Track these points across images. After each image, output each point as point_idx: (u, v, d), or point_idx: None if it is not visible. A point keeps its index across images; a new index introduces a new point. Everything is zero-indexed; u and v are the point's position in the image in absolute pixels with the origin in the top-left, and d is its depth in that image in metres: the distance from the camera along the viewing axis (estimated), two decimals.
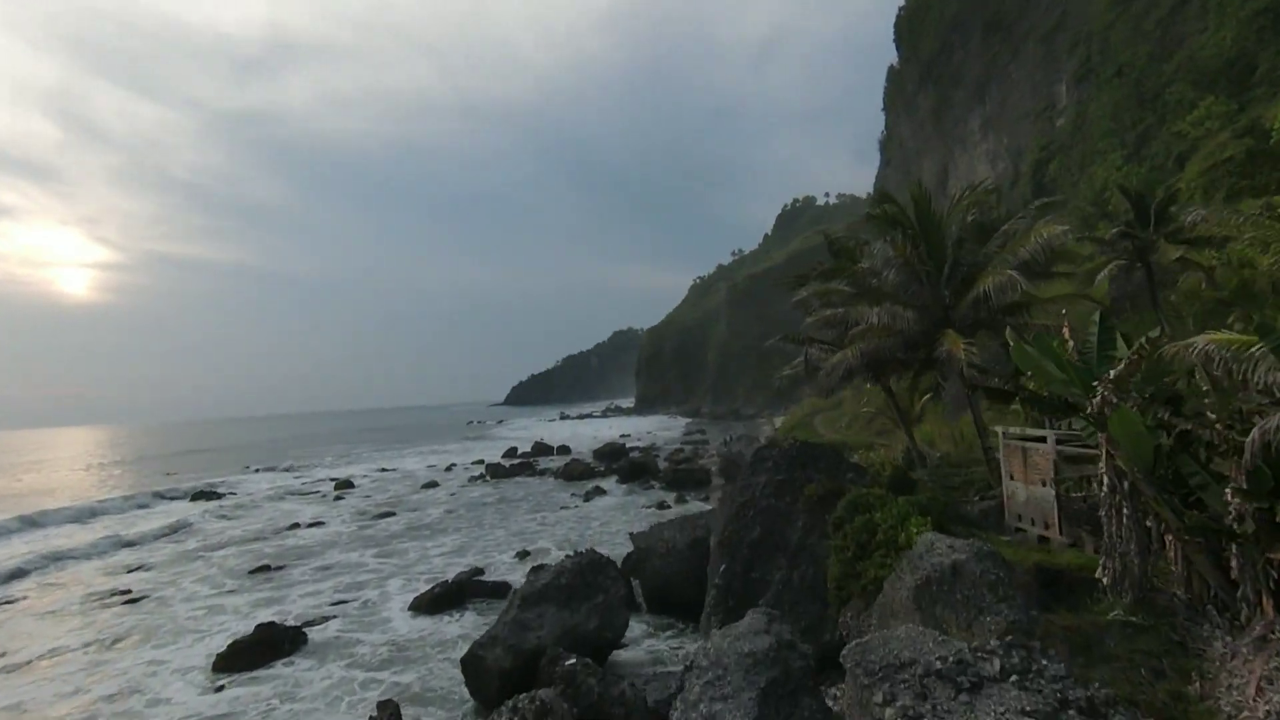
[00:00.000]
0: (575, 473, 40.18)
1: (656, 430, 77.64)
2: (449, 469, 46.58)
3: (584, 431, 79.93)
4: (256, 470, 54.76)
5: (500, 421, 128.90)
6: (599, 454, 47.56)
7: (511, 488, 37.93)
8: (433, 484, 41.29)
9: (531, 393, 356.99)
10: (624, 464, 40.94)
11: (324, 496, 39.12)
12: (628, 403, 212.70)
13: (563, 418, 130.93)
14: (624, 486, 35.27)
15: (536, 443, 53.13)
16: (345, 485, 42.74)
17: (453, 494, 37.78)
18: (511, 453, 51.59)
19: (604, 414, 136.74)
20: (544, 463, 48.12)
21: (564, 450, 51.83)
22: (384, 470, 49.21)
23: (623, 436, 66.64)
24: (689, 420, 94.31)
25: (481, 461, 48.92)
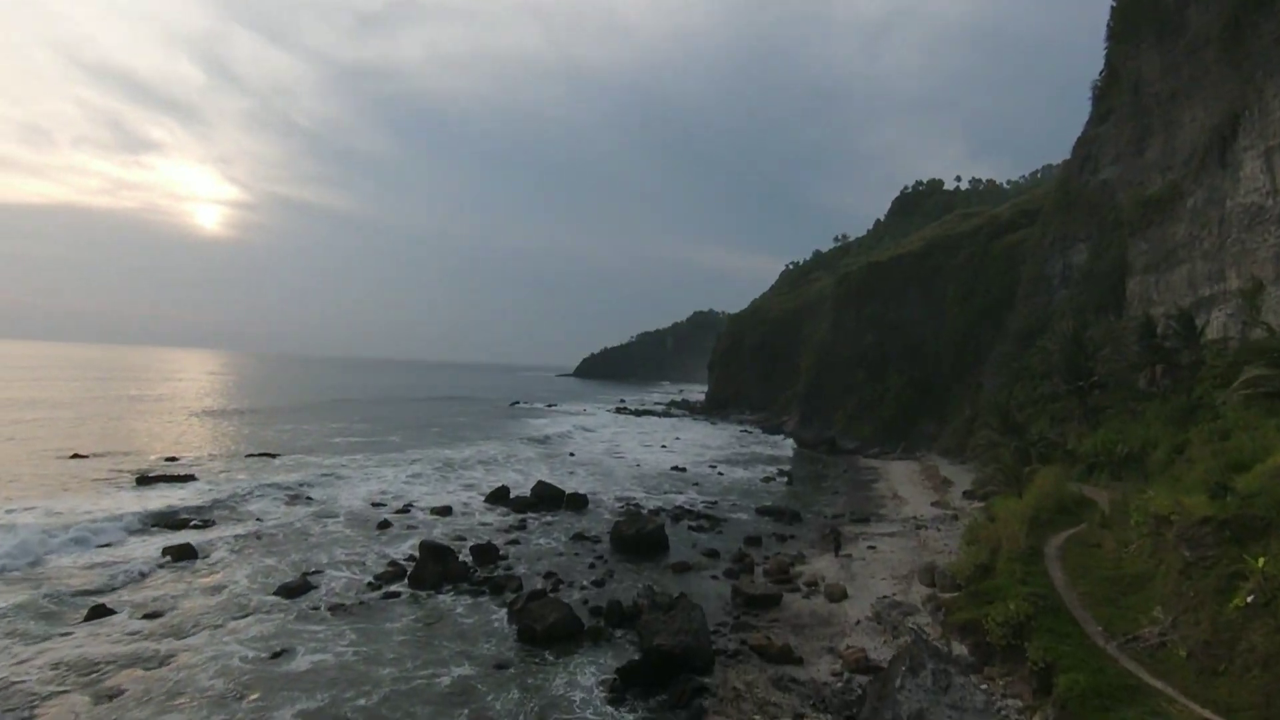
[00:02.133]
0: (539, 629, 22.55)
1: (724, 453, 59.55)
2: (380, 530, 30.29)
3: (630, 447, 62.75)
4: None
5: (551, 405, 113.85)
6: (622, 542, 28.89)
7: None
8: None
9: (602, 367, 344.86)
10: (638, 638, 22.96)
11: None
12: (698, 392, 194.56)
13: (620, 409, 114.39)
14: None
15: (540, 484, 36.06)
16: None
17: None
18: (498, 496, 34.72)
19: (668, 409, 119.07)
20: (518, 551, 30.89)
21: (576, 505, 34.42)
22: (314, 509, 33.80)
23: (675, 470, 48.72)
24: (768, 439, 75.23)
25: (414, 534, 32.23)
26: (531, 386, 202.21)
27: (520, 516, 31.96)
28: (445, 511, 31.97)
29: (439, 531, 28.37)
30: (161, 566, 21.99)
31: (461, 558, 24.00)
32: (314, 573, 22.12)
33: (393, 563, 23.55)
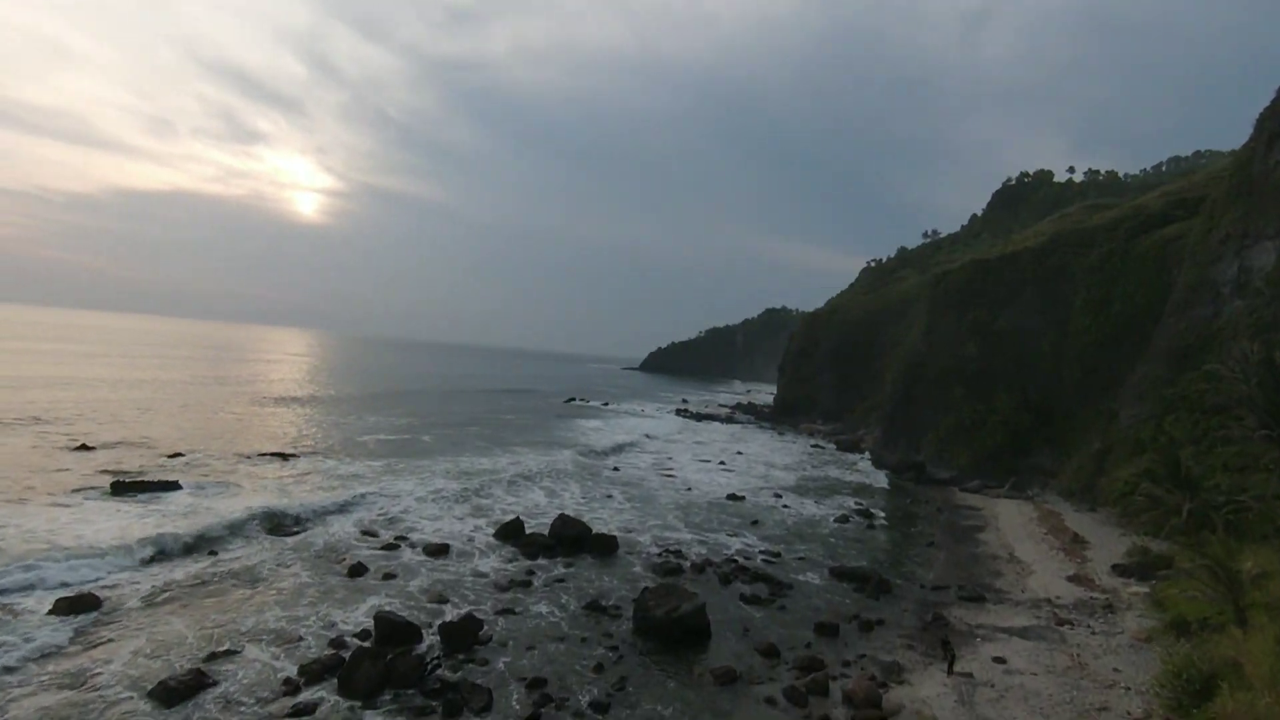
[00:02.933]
0: None
1: (792, 476, 51.43)
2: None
3: (683, 462, 55.68)
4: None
5: (606, 404, 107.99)
6: (649, 625, 21.71)
7: None
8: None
9: (670, 361, 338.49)
10: None
11: None
12: (766, 393, 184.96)
13: (681, 410, 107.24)
14: None
15: (562, 518, 29.37)
16: None
17: None
18: (510, 532, 28.41)
19: (732, 414, 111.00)
20: (507, 627, 24.55)
21: (602, 549, 27.62)
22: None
23: (732, 499, 41.26)
24: (843, 458, 66.39)
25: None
26: (594, 380, 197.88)
27: (529, 564, 25.64)
28: (441, 551, 26.09)
29: (419, 584, 22.42)
30: (37, 629, 16.93)
31: (427, 640, 17.88)
32: (224, 654, 16.49)
33: (337, 640, 17.68)
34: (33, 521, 24.40)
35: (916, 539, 35.83)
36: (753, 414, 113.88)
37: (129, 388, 69.22)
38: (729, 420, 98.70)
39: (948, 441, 54.85)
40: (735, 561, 28.11)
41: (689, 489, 43.62)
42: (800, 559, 29.72)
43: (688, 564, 27.14)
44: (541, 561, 26.07)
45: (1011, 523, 39.31)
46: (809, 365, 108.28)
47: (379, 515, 30.36)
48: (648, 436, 68.70)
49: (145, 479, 31.05)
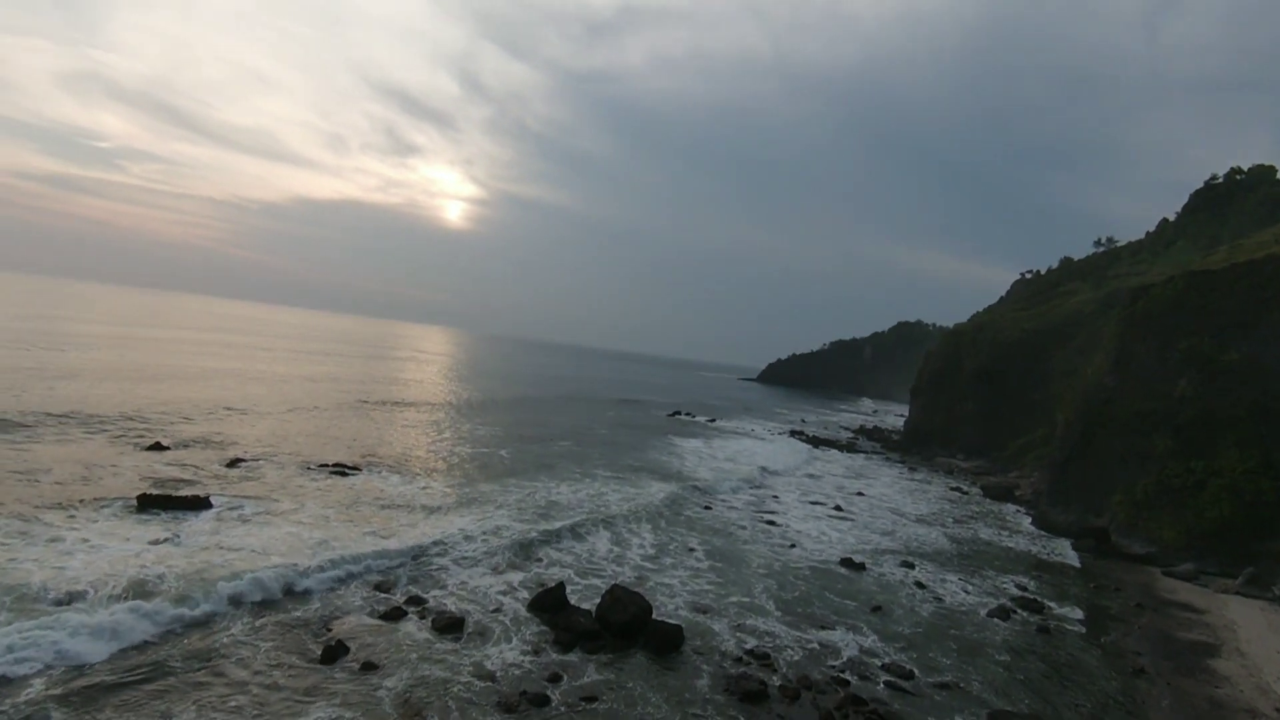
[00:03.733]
0: None
1: (928, 535, 41.23)
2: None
3: (789, 503, 47.13)
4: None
5: (713, 420, 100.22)
6: None
7: None
8: None
9: (790, 373, 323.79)
10: None
11: None
12: (896, 414, 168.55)
13: (797, 433, 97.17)
14: None
15: (617, 591, 22.55)
16: None
17: None
18: (549, 603, 21.93)
19: (854, 440, 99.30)
20: None
21: (660, 646, 20.31)
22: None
23: (848, 567, 32.44)
24: (993, 509, 54.47)
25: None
26: (705, 391, 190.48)
27: (558, 659, 19.28)
28: (454, 626, 20.40)
29: (398, 685, 16.75)
30: None
31: None
32: None
33: None
34: (20, 550, 21.62)
35: (1114, 659, 25.49)
36: (879, 441, 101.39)
37: (249, 381, 71.59)
38: (850, 448, 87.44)
39: (1145, 506, 42.01)
40: (847, 683, 20.06)
41: (792, 545, 35.33)
42: (943, 686, 21.00)
43: (776, 682, 19.54)
44: (575, 658, 19.62)
45: (1263, 644, 27.53)
46: (949, 389, 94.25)
47: (407, 562, 25.45)
48: (752, 465, 60.55)
49: (175, 494, 28.25)
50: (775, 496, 48.43)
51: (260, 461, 38.05)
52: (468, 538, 28.91)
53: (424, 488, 36.71)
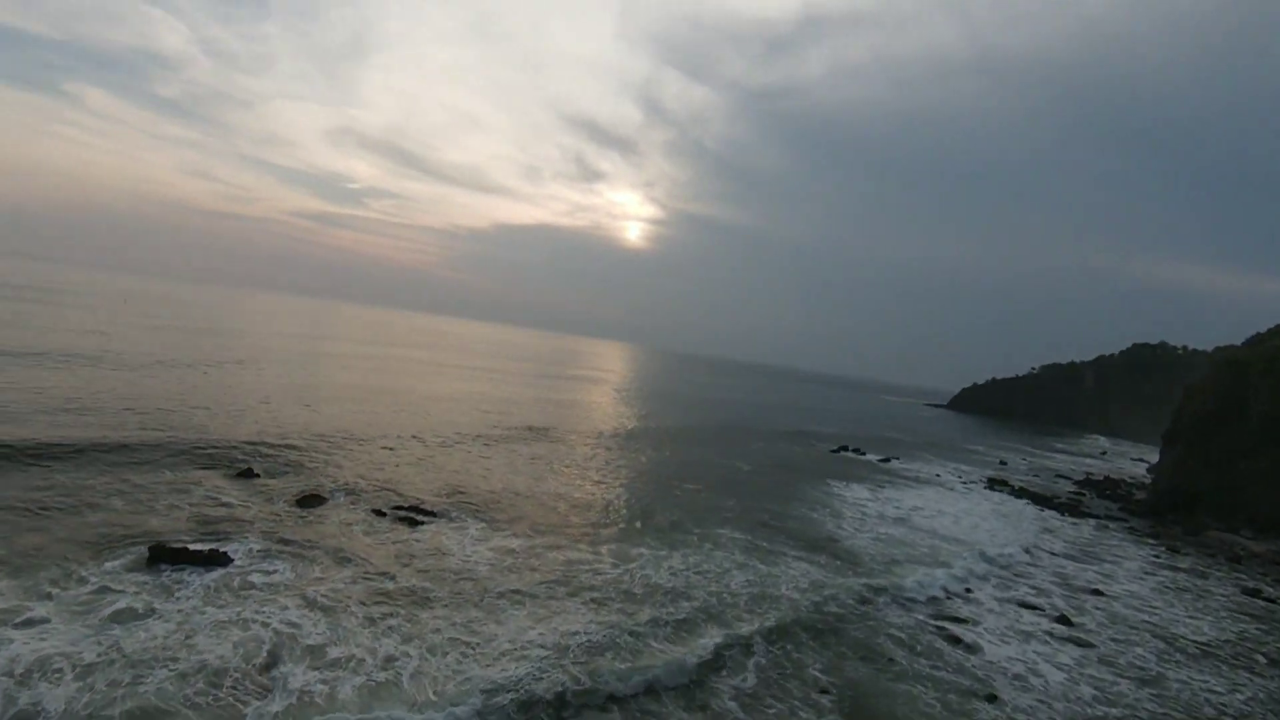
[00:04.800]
0: None
1: (1227, 692, 26.09)
2: None
3: (986, 593, 33.80)
4: None
5: (887, 459, 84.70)
6: None
7: None
8: None
9: (987, 400, 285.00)
10: None
11: None
12: (1132, 459, 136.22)
13: (997, 482, 78.50)
14: None
15: None
16: None
17: None
18: None
19: (1079, 497, 78.01)
20: None
21: None
22: None
23: None
24: None
25: None
26: (884, 419, 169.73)
27: None
28: None
29: None
30: None
31: None
32: None
33: None
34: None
35: None
36: (1115, 500, 78.78)
37: (406, 401, 72.51)
38: (1075, 509, 67.64)
39: None
40: None
41: (989, 696, 23.11)
42: None
43: None
44: None
45: None
46: (1226, 437, 70.05)
47: (385, 680, 18.59)
48: (931, 532, 46.95)
49: (194, 548, 24.37)
50: (966, 587, 35.33)
51: (338, 497, 34.47)
52: (480, 641, 21.45)
53: (491, 550, 30.22)
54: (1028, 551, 45.06)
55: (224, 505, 30.50)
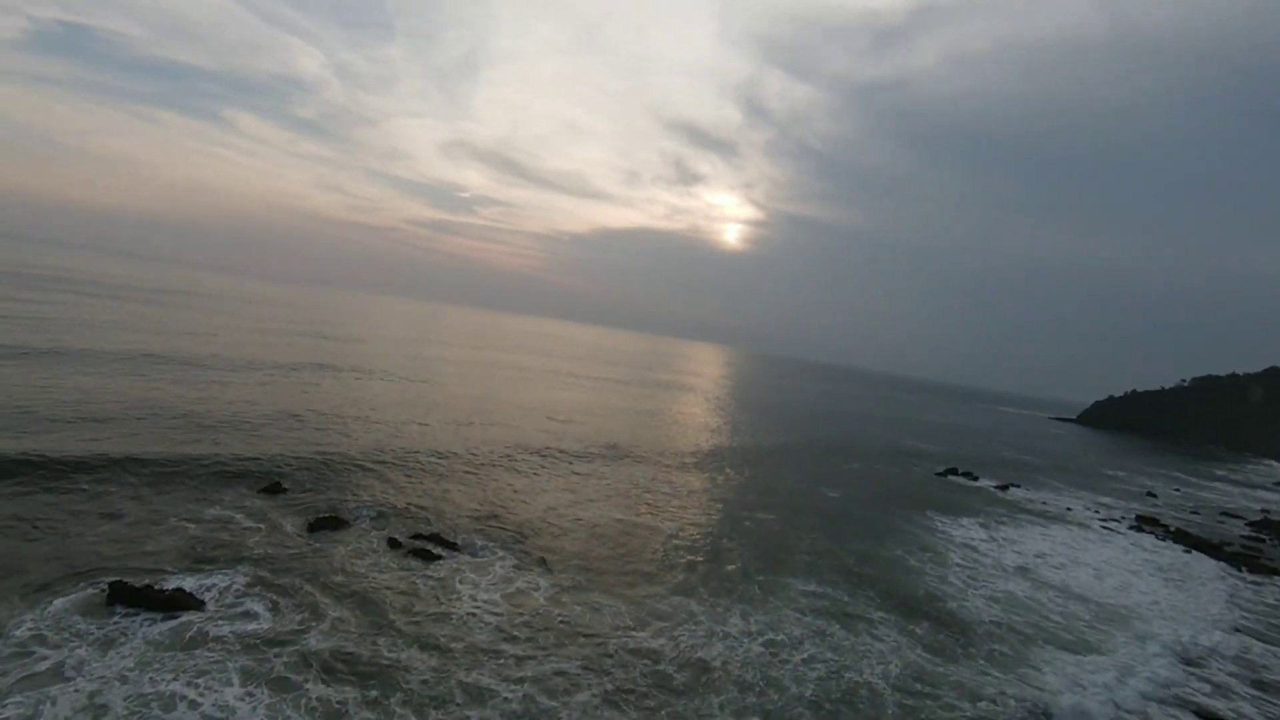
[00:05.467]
0: None
1: None
2: None
3: (1137, 682, 25.23)
4: None
5: (1005, 486, 73.42)
6: None
7: None
8: None
9: (1126, 415, 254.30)
10: None
11: None
12: None
13: (1146, 519, 65.64)
14: None
15: None
16: None
17: None
18: None
19: (1254, 543, 63.53)
20: None
21: None
22: None
23: None
24: None
25: None
26: (1002, 435, 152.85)
27: None
28: None
29: None
30: None
31: None
32: None
33: None
34: None
35: None
36: None
37: (476, 408, 70.70)
38: (1253, 562, 54.40)
39: None
40: None
41: None
42: None
43: None
44: None
45: None
46: None
47: None
48: (1071, 593, 37.86)
49: (158, 588, 21.38)
50: (1118, 677, 26.94)
51: (362, 520, 31.34)
52: None
53: (507, 598, 25.68)
54: (1198, 643, 35.02)
55: (232, 527, 27.92)
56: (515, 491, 40.37)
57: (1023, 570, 40.54)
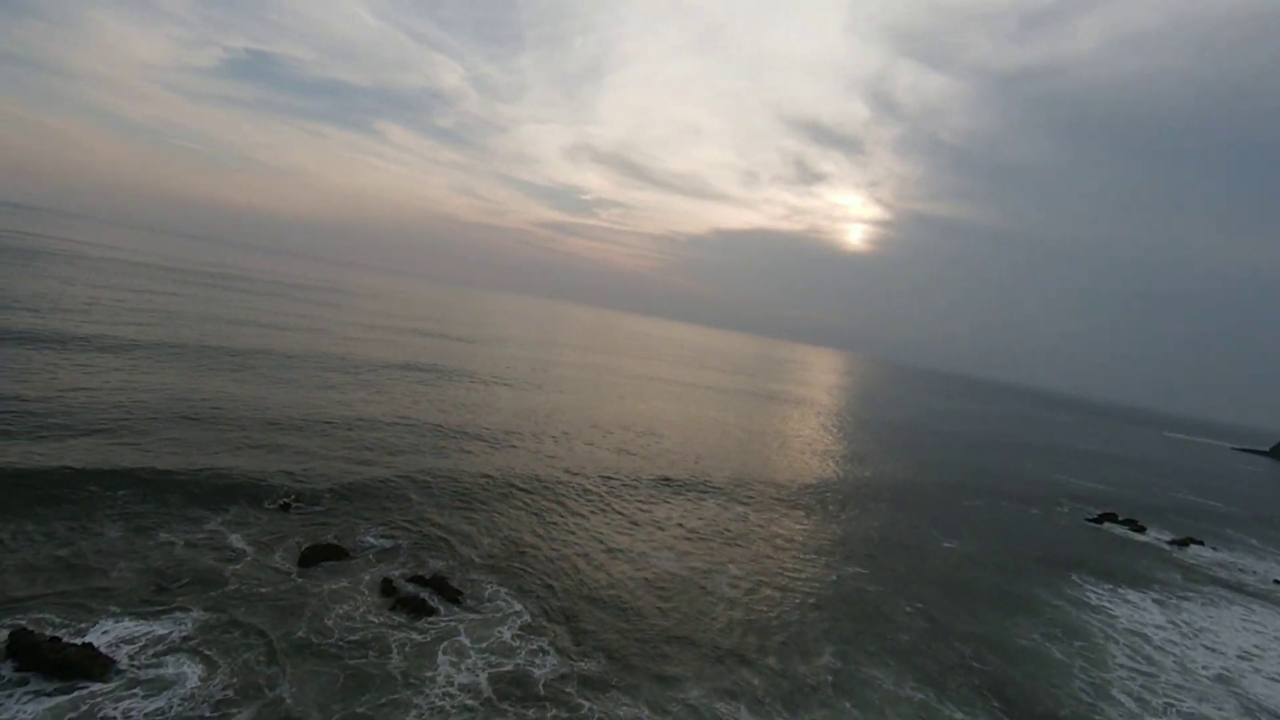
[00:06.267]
0: None
1: None
2: None
3: None
4: None
5: (1181, 545, 58.80)
6: None
7: None
8: None
9: None
10: None
11: None
12: None
13: None
14: None
15: None
16: None
17: None
18: None
19: None
20: None
21: None
22: None
23: None
24: None
25: None
26: (1172, 470, 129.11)
27: None
28: None
29: None
30: None
31: None
32: None
33: None
34: None
35: None
36: None
37: (553, 424, 67.13)
38: None
39: None
40: None
41: None
42: None
43: None
44: None
45: None
46: None
47: None
48: None
49: (67, 642, 18.05)
50: None
51: (365, 551, 27.57)
52: None
53: (500, 676, 20.39)
54: None
55: (215, 552, 24.88)
56: (556, 527, 35.21)
57: (1224, 680, 29.79)
